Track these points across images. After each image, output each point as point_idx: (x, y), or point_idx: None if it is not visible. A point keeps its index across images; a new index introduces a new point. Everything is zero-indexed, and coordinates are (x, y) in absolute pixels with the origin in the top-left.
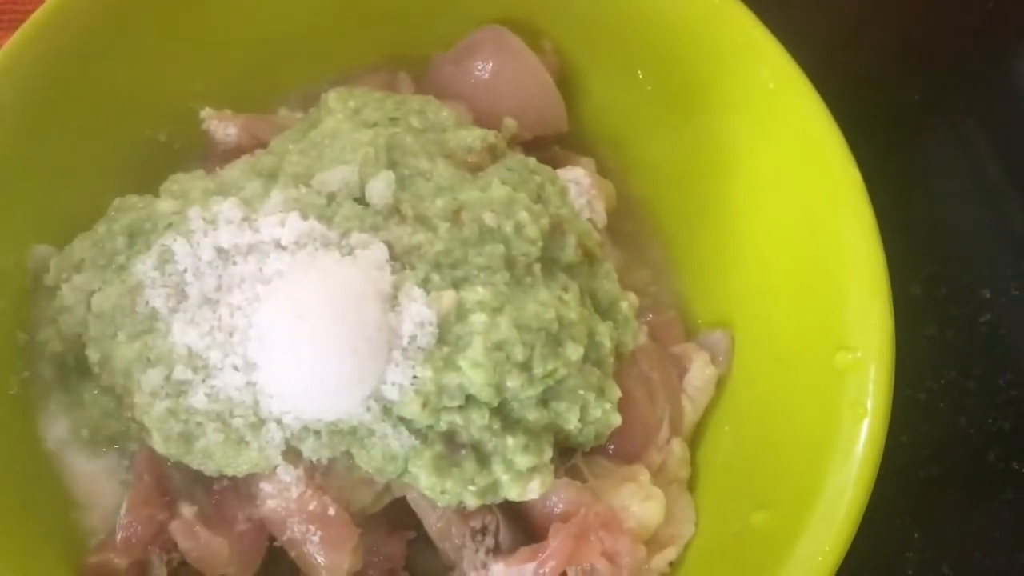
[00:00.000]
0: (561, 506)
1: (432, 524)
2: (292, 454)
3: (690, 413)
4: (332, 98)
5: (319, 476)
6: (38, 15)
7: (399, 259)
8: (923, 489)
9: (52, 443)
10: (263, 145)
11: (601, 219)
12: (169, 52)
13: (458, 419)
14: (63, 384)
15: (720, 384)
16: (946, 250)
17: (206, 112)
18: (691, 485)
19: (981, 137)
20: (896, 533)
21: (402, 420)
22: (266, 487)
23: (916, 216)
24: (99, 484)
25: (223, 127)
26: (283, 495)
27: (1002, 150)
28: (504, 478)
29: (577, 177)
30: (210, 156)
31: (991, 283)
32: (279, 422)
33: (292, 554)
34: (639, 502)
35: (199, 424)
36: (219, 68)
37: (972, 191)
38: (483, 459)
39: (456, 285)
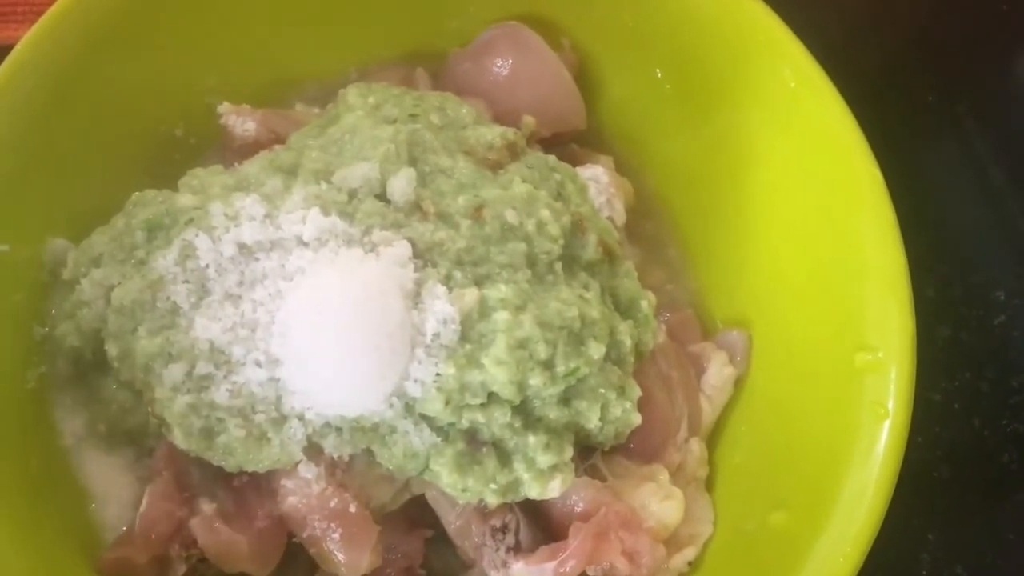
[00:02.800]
0: (581, 505)
1: (451, 522)
2: (313, 450)
3: (708, 413)
4: (351, 94)
5: (340, 473)
6: (54, 9)
7: (421, 256)
8: (937, 490)
9: (69, 438)
10: (281, 140)
11: (620, 217)
12: (185, 46)
13: (480, 417)
14: (80, 379)
15: (738, 384)
16: (960, 252)
17: (224, 107)
18: (709, 485)
19: (992, 138)
20: (910, 534)
21: (424, 417)
22: (287, 483)
23: (929, 217)
24: (116, 479)
25: (241, 122)
26: (304, 492)
27: (1013, 152)
28: (525, 476)
29: (596, 175)
30: (227, 151)
31: (1005, 285)
32: (301, 418)
33: (311, 551)
34: (658, 501)
35: (220, 419)
36: (235, 63)
37: (985, 193)
38: (504, 457)
39: (478, 283)
